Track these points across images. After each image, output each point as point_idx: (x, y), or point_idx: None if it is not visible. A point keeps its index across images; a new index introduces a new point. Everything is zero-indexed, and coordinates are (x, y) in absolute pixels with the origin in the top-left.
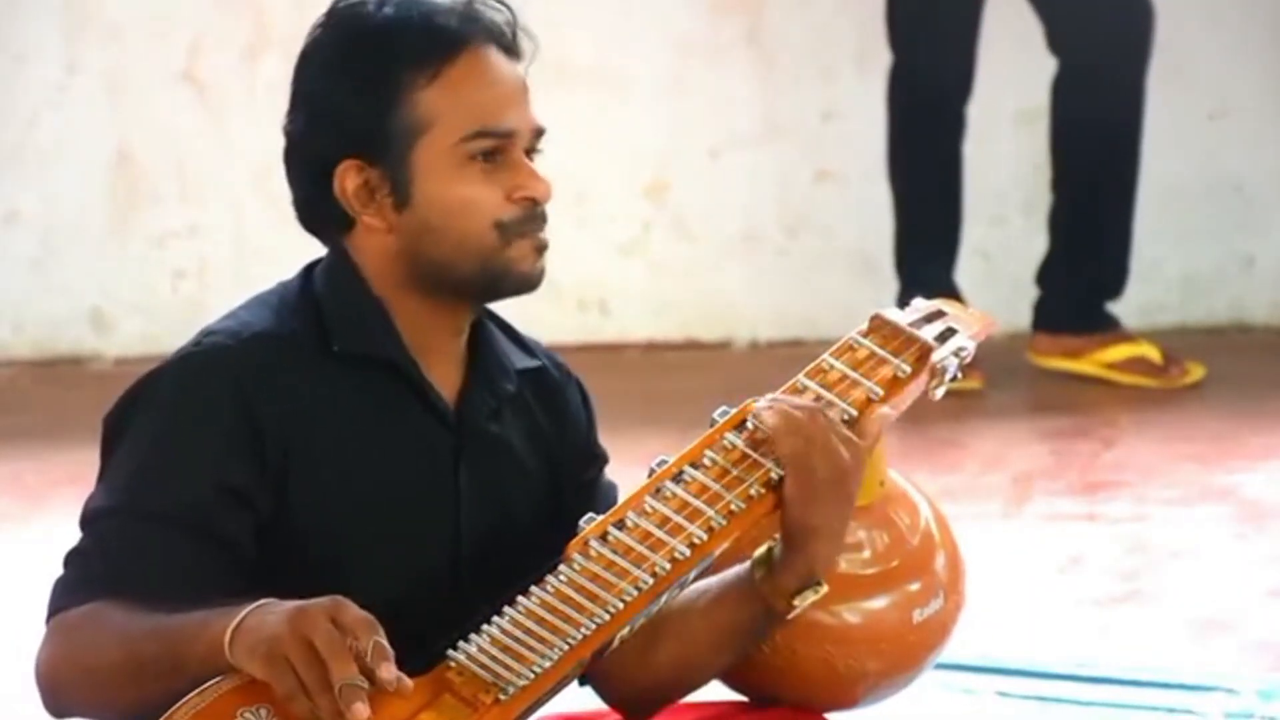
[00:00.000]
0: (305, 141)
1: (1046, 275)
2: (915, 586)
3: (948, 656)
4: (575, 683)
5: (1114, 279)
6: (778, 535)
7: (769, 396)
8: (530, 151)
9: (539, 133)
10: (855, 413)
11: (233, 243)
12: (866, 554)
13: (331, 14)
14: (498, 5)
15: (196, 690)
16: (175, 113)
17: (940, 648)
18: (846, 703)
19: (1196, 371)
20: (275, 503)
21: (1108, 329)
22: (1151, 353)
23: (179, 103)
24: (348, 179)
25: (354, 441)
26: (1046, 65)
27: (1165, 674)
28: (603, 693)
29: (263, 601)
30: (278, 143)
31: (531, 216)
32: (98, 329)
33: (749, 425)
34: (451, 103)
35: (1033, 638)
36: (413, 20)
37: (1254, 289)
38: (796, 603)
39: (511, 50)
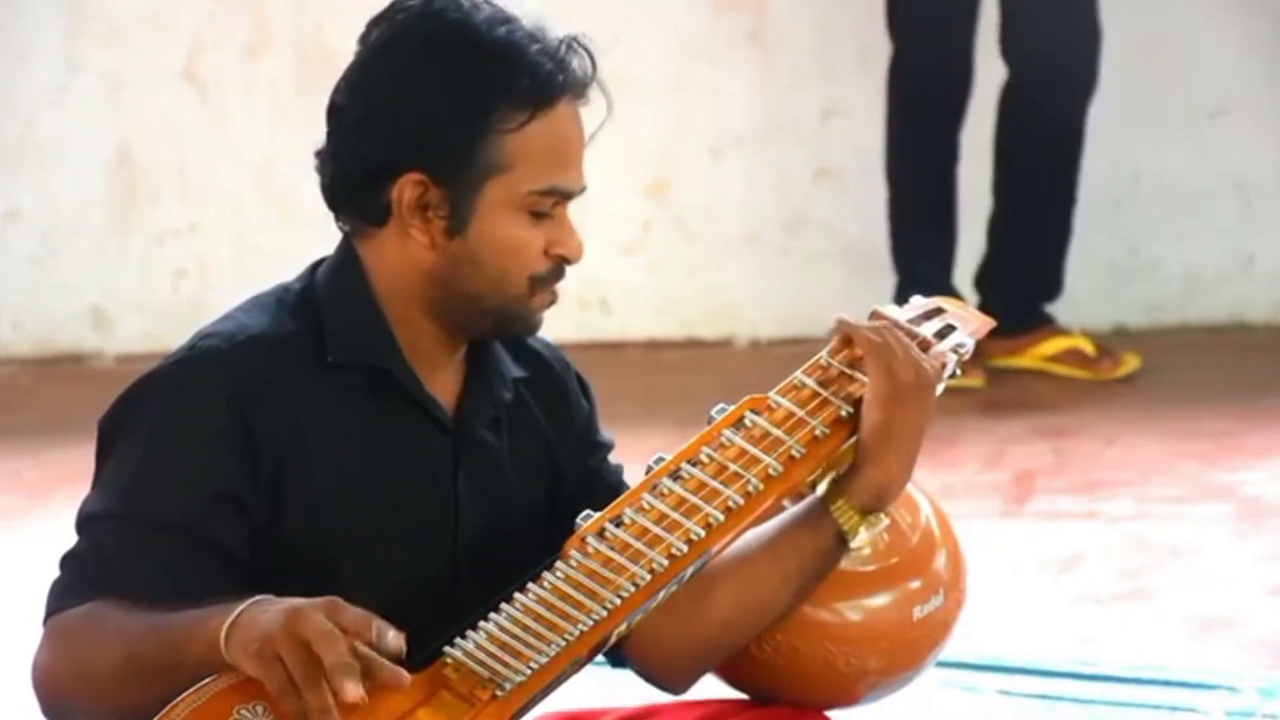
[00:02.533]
0: (368, 135)
1: (986, 279)
2: (916, 584)
3: (949, 654)
4: (609, 665)
5: (1053, 282)
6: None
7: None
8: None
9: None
10: (851, 409)
11: (233, 241)
12: (867, 551)
13: (429, 10)
14: (585, 51)
15: (193, 688)
16: (176, 111)
17: (941, 645)
18: (847, 701)
19: (1131, 362)
20: (270, 507)
21: (1044, 324)
22: (1085, 345)
23: (179, 101)
24: (407, 190)
25: (350, 447)
26: None
27: (1166, 672)
28: (644, 663)
29: (258, 598)
30: (278, 141)
31: (558, 273)
32: (98, 327)
33: (747, 422)
34: (535, 153)
35: (1034, 636)
36: (522, 54)
37: (1255, 288)
38: (863, 529)
39: (583, 102)
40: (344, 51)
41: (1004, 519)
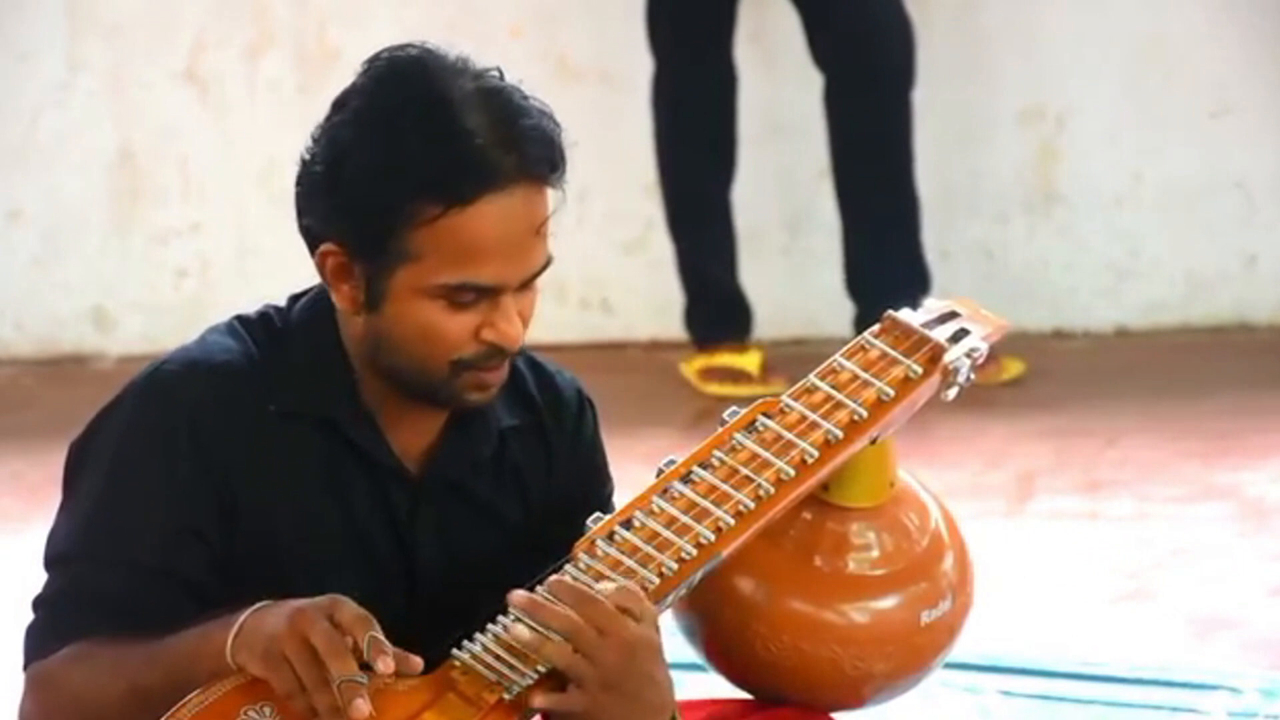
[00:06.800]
0: (305, 195)
1: (853, 285)
2: (923, 588)
3: (951, 655)
4: None
5: (919, 277)
6: None
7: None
8: (534, 278)
9: (544, 267)
10: (865, 413)
11: (235, 241)
12: (875, 555)
13: (410, 73)
14: (545, 130)
15: (199, 689)
16: (177, 111)
17: (948, 649)
18: (853, 703)
19: (1013, 368)
20: (226, 535)
21: None
22: None
23: (181, 101)
24: (329, 258)
25: (303, 485)
26: (1047, 64)
27: (1168, 672)
28: None
29: (259, 605)
30: (279, 141)
31: (490, 355)
32: (100, 327)
33: (758, 426)
34: (445, 250)
35: (1035, 636)
36: (460, 144)
37: (1256, 287)
38: None
39: (545, 180)
40: (345, 51)
41: (1005, 519)
